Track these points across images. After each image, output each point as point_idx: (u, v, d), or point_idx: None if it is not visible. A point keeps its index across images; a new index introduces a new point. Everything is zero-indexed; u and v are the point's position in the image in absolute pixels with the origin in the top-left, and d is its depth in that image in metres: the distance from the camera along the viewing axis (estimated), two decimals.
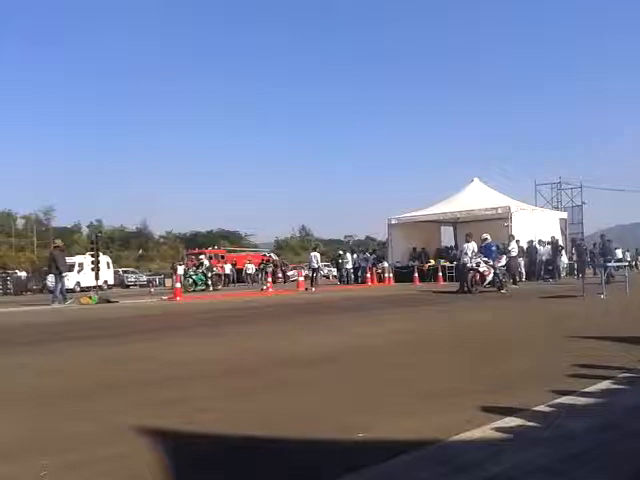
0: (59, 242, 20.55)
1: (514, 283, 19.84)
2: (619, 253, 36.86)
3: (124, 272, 48.49)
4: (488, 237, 17.51)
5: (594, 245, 28.40)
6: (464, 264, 17.50)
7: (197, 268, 26.05)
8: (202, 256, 28.65)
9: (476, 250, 17.72)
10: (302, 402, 3.80)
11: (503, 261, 17.67)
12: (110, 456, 2.78)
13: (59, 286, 18.02)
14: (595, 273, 23.26)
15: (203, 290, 24.74)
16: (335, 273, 35.57)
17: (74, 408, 3.84)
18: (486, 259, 16.64)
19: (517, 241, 24.39)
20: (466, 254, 17.82)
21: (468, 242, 18.42)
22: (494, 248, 17.47)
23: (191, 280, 24.73)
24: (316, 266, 27.49)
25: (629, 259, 36.30)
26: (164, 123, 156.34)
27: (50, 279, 32.25)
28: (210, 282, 25.63)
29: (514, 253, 21.13)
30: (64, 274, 18.73)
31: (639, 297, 12.43)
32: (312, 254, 28.14)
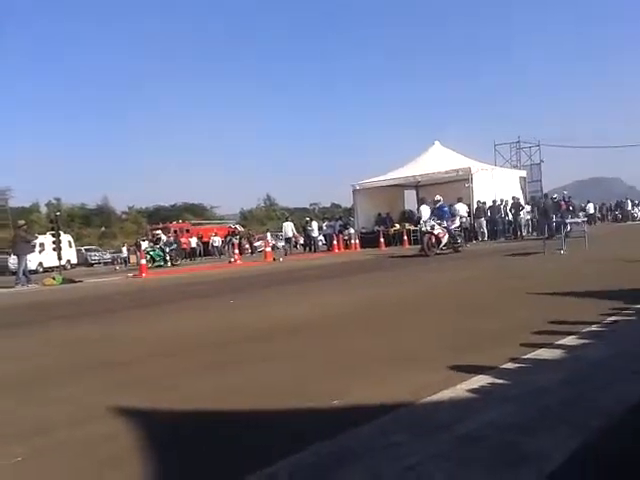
0: (22, 222, 19.99)
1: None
2: (590, 208, 38.27)
3: (87, 250, 47.62)
4: (441, 199, 17.89)
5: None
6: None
7: (154, 244, 25.57)
8: (158, 231, 28.08)
9: (424, 214, 18.35)
10: (273, 374, 3.81)
11: (457, 222, 18.06)
12: (85, 437, 2.76)
13: (22, 267, 17.59)
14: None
15: (161, 266, 24.21)
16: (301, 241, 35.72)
17: (44, 391, 3.79)
18: (440, 221, 16.89)
19: (478, 201, 24.95)
20: (421, 217, 18.54)
21: (421, 205, 19.43)
22: (446, 209, 17.81)
23: (148, 256, 24.01)
24: (290, 235, 28.16)
25: (592, 212, 37.62)
26: (125, 95, 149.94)
27: (12, 261, 31.62)
28: (168, 257, 25.15)
29: (463, 213, 22.10)
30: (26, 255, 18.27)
31: (597, 252, 12.80)
32: (285, 224, 28.90)
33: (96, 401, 3.35)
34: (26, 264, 18.12)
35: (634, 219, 41.55)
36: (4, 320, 8.84)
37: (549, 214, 20.97)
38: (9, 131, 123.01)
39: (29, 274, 18.33)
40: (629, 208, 43.79)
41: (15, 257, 19.30)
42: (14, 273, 19.27)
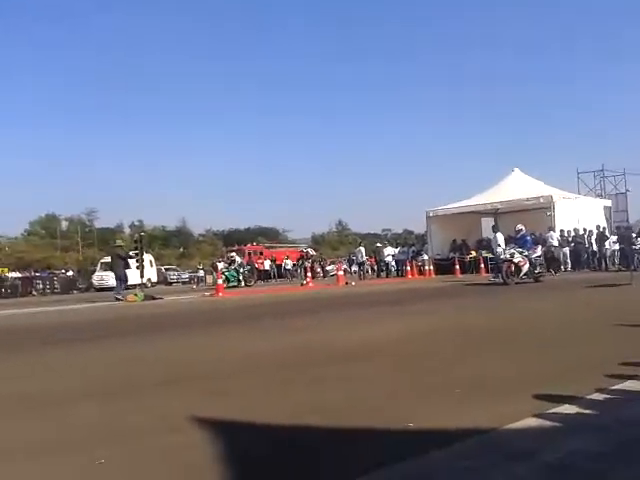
0: (120, 242, 22.15)
1: (554, 273, 19.96)
2: None
3: (166, 270, 49.36)
4: (522, 228, 17.52)
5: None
6: (498, 255, 18.40)
7: (229, 265, 26.22)
8: (233, 253, 28.78)
9: (500, 241, 18.99)
10: (350, 394, 3.81)
11: (539, 251, 17.52)
12: (166, 446, 2.86)
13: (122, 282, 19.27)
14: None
15: (235, 286, 24.72)
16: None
17: (129, 402, 3.95)
18: (520, 250, 16.44)
19: (561, 230, 24.08)
20: (498, 245, 18.94)
21: (495, 233, 20.09)
22: (528, 238, 17.49)
23: (223, 277, 24.54)
24: (362, 260, 28.70)
25: None
26: (199, 126, 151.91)
27: (96, 278, 34.28)
28: (242, 278, 25.68)
29: (555, 243, 22.51)
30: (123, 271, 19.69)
31: None
32: (358, 249, 29.47)
33: (184, 412, 3.44)
34: (126, 278, 19.68)
35: None
36: (95, 332, 9.30)
37: (627, 245, 20.27)
38: (93, 153, 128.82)
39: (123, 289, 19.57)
40: None
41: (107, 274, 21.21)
42: (102, 289, 20.63)
